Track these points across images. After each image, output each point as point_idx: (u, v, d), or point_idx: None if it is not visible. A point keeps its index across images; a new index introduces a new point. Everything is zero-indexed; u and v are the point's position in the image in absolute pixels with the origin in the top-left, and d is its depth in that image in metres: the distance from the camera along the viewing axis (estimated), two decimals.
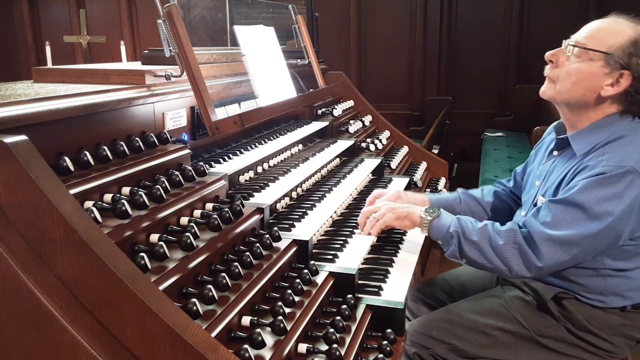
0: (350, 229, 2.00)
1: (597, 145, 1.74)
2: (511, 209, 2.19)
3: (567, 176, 1.77)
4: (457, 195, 2.25)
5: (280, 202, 1.99)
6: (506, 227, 1.74)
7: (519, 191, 2.18)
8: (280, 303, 1.37)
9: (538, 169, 1.98)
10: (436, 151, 4.46)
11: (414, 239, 2.12)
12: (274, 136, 2.42)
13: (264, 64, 2.38)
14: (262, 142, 2.31)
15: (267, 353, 1.22)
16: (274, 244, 1.59)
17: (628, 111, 1.76)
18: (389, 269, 1.85)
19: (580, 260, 1.71)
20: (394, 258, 1.94)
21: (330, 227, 2.06)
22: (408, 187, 2.72)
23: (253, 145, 2.22)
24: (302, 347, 1.34)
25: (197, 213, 1.50)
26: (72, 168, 1.22)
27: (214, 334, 1.14)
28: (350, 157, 2.80)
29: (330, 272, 1.65)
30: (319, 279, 1.60)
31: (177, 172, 1.51)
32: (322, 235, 1.97)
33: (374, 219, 1.95)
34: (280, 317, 1.29)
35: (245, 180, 2.00)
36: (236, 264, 1.37)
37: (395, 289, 1.72)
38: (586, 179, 1.66)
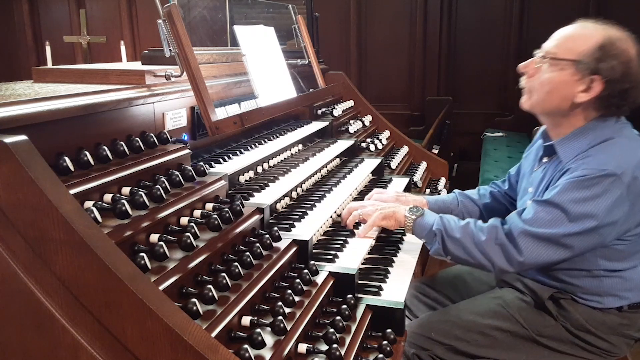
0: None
1: (581, 151, 1.74)
2: (507, 211, 2.18)
3: (553, 179, 1.78)
4: (454, 197, 2.26)
5: (280, 202, 1.98)
6: (488, 223, 1.77)
7: (513, 193, 2.19)
8: (280, 303, 1.37)
9: (531, 176, 1.99)
10: (436, 151, 4.46)
11: (414, 239, 2.12)
12: (274, 136, 2.42)
13: (264, 64, 2.38)
14: (262, 142, 2.30)
15: (267, 353, 1.22)
16: (274, 244, 1.59)
17: (607, 114, 1.76)
18: (389, 269, 1.85)
19: (565, 258, 1.72)
20: (394, 258, 1.94)
21: (330, 227, 2.06)
22: (408, 187, 2.72)
23: (253, 145, 2.22)
24: (302, 347, 1.34)
25: (197, 213, 1.50)
26: (72, 168, 1.22)
27: (214, 334, 1.14)
28: (350, 157, 2.80)
29: (330, 272, 1.65)
30: (319, 279, 1.60)
31: (177, 172, 1.50)
32: (322, 235, 1.97)
33: (358, 214, 1.99)
34: (280, 317, 1.29)
35: (245, 180, 2.00)
36: (236, 264, 1.36)
37: (395, 289, 1.72)
38: (567, 180, 1.68)
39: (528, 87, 1.86)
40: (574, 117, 1.79)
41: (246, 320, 1.28)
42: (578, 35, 1.76)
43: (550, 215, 1.68)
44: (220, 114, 1.85)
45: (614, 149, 1.70)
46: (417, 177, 3.03)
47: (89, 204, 1.22)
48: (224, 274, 1.29)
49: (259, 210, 1.68)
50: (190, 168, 1.58)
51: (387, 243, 2.07)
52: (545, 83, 1.79)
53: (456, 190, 2.30)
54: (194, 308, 1.13)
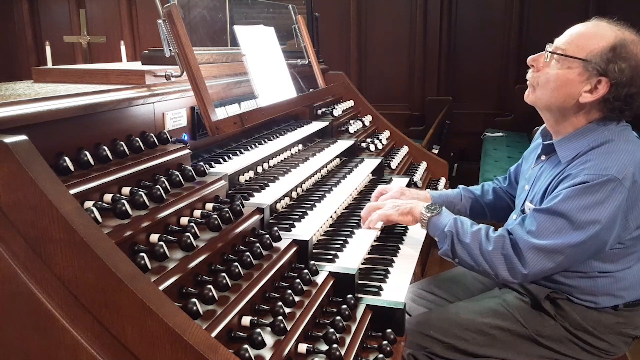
0: (350, 229, 2.00)
1: (580, 152, 1.73)
2: (510, 207, 2.19)
3: (552, 183, 1.77)
4: (458, 192, 2.28)
5: (280, 202, 1.98)
6: (497, 233, 1.76)
7: (513, 191, 2.20)
8: (280, 303, 1.37)
9: (528, 173, 1.99)
10: (436, 151, 4.46)
11: (414, 239, 2.13)
12: (274, 136, 2.42)
13: (264, 64, 2.38)
14: (262, 142, 2.30)
15: (267, 353, 1.22)
16: (274, 244, 1.59)
17: (610, 117, 1.74)
18: (389, 269, 1.85)
19: (566, 267, 1.72)
20: (394, 258, 1.94)
21: (330, 227, 2.06)
22: (408, 187, 2.72)
23: (253, 145, 2.22)
24: (302, 347, 1.34)
25: (197, 213, 1.50)
26: (72, 168, 1.22)
27: (214, 334, 1.14)
28: (350, 157, 2.80)
29: (330, 272, 1.65)
30: (319, 279, 1.60)
31: (177, 172, 1.50)
32: (322, 235, 1.97)
33: (377, 214, 1.98)
34: (280, 317, 1.29)
35: (245, 180, 2.00)
36: (236, 264, 1.36)
37: (396, 289, 1.72)
38: (569, 187, 1.66)
39: (533, 80, 1.84)
40: (576, 117, 1.77)
41: (246, 320, 1.28)
42: (591, 34, 1.72)
43: (555, 226, 1.65)
44: (220, 114, 1.84)
45: (613, 153, 1.67)
46: (417, 177, 3.03)
47: (89, 204, 1.22)
48: (224, 274, 1.29)
49: (259, 210, 1.68)
50: (190, 168, 1.58)
51: (388, 242, 2.07)
52: (552, 79, 1.76)
53: (460, 186, 2.32)
54: (194, 308, 1.13)
